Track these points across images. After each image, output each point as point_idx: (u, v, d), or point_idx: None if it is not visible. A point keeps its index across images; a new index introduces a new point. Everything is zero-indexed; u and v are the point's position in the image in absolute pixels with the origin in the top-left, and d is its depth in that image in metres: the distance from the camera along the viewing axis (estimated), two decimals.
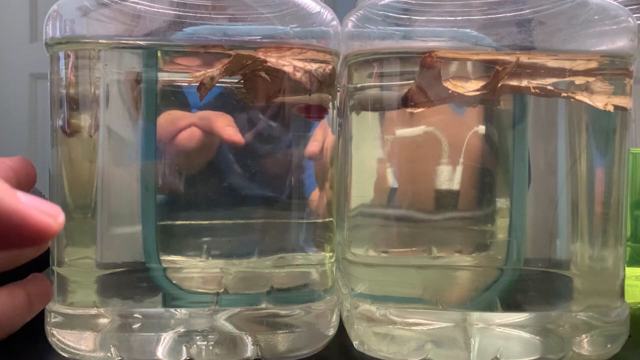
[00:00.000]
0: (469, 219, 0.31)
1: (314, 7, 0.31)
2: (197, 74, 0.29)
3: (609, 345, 0.31)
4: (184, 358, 0.29)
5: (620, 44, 0.31)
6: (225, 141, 0.30)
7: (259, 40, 0.29)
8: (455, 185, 0.31)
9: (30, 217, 0.16)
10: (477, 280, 0.32)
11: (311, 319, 0.31)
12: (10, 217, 0.16)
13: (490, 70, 0.29)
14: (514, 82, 0.30)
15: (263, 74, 0.30)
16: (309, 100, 0.31)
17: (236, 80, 0.30)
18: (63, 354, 0.30)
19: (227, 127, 0.30)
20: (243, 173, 0.30)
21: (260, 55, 0.29)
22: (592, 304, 0.31)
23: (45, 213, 0.17)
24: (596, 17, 0.30)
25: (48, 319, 0.30)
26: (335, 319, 0.32)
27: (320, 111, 0.32)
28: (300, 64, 0.30)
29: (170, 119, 0.30)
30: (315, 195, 0.32)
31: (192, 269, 0.31)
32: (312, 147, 0.31)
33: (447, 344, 0.30)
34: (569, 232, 0.31)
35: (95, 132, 0.30)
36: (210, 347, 0.29)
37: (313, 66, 0.30)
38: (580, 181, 0.31)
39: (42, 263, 0.33)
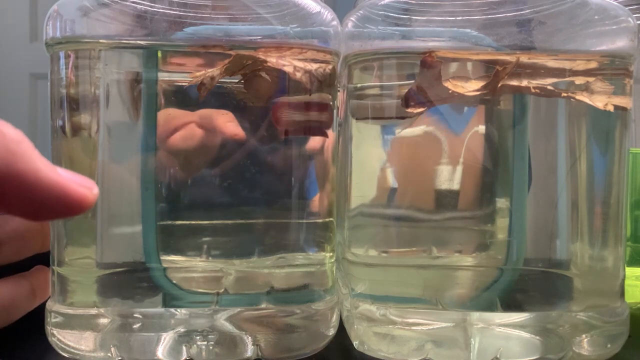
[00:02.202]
0: (469, 219, 0.31)
1: (314, 7, 0.31)
2: (198, 73, 0.29)
3: (609, 345, 0.31)
4: (184, 358, 0.29)
5: (620, 44, 0.31)
6: (227, 137, 0.30)
7: (259, 40, 0.29)
8: (455, 185, 0.31)
9: (69, 189, 0.18)
10: (477, 280, 0.32)
11: (311, 319, 0.31)
12: (52, 189, 0.18)
13: (491, 70, 0.29)
14: (514, 82, 0.30)
15: (263, 74, 0.30)
16: (309, 100, 0.31)
17: (236, 80, 0.30)
18: (63, 354, 0.30)
19: (228, 123, 0.30)
20: (243, 173, 0.30)
21: (261, 55, 0.29)
22: (592, 304, 0.31)
23: (82, 185, 0.18)
24: (596, 17, 0.30)
25: (48, 319, 0.30)
26: (335, 319, 0.32)
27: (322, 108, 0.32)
28: (300, 64, 0.30)
29: (170, 117, 0.30)
30: (317, 196, 0.32)
31: (193, 268, 0.31)
32: (313, 143, 0.31)
33: (447, 344, 0.30)
34: (569, 232, 0.31)
35: (95, 132, 0.30)
36: (211, 347, 0.29)
37: (313, 66, 0.30)
38: (580, 181, 0.31)
39: (43, 263, 0.33)
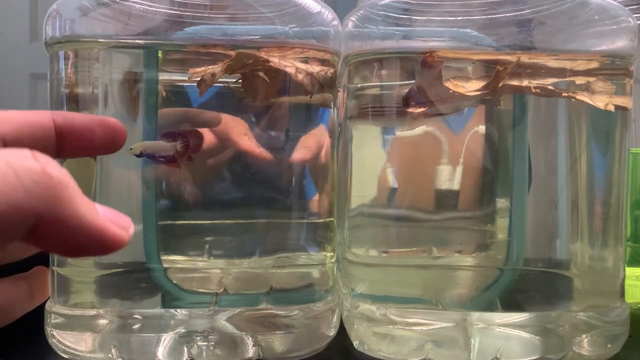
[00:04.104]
0: (469, 219, 0.31)
1: (315, 7, 0.31)
2: (198, 70, 0.29)
3: (609, 345, 0.30)
4: (185, 358, 0.29)
5: (620, 44, 0.31)
6: (239, 149, 0.30)
7: (258, 40, 0.29)
8: (455, 185, 0.31)
9: (107, 231, 0.18)
10: (477, 280, 0.32)
11: (312, 320, 0.31)
12: (91, 233, 0.18)
13: (491, 70, 0.29)
14: (515, 82, 0.30)
15: (261, 74, 0.30)
16: (309, 101, 0.31)
17: (234, 80, 0.30)
18: (63, 355, 0.30)
19: (243, 137, 0.30)
20: (244, 173, 0.30)
21: (263, 54, 0.29)
22: (592, 304, 0.31)
23: (119, 226, 0.19)
24: (596, 17, 0.30)
25: (48, 320, 0.30)
26: (335, 319, 0.32)
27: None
28: (302, 66, 0.30)
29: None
30: (317, 195, 0.32)
31: (193, 269, 0.31)
32: (299, 154, 0.31)
33: (447, 344, 0.30)
34: (569, 232, 0.31)
35: None
36: (211, 348, 0.29)
37: (315, 69, 0.30)
38: (580, 181, 0.31)
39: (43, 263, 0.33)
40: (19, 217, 0.16)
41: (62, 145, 0.25)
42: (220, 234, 0.31)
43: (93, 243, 0.18)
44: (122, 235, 0.19)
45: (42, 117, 0.24)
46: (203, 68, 0.29)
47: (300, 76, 0.30)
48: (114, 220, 0.19)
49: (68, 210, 0.17)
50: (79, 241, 0.18)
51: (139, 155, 0.28)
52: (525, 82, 0.30)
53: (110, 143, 0.26)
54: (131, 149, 0.28)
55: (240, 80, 0.30)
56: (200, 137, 0.29)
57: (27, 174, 0.17)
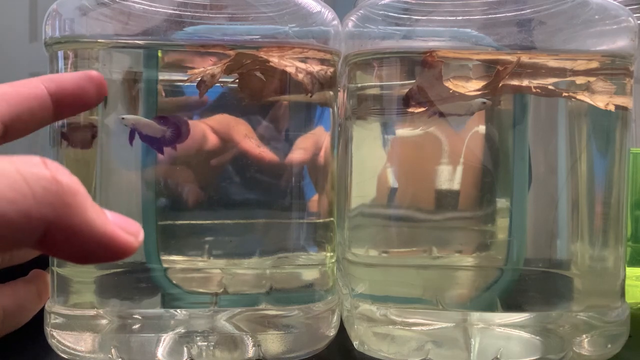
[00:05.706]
0: (470, 219, 0.31)
1: (315, 6, 0.31)
2: (197, 70, 0.29)
3: (609, 346, 0.30)
4: (185, 359, 0.29)
5: (620, 43, 0.30)
6: (241, 151, 0.30)
7: (258, 39, 0.29)
8: (456, 185, 0.31)
9: (117, 238, 0.18)
10: (478, 280, 0.32)
11: (312, 320, 0.31)
12: (101, 240, 0.18)
13: (491, 70, 0.29)
14: (515, 82, 0.30)
15: (258, 74, 0.30)
16: (309, 101, 0.31)
17: (231, 80, 0.30)
18: (63, 355, 0.30)
19: (246, 139, 0.30)
20: (244, 173, 0.30)
21: (263, 54, 0.29)
22: (593, 304, 0.31)
23: (128, 232, 0.19)
24: (597, 16, 0.30)
25: (47, 320, 0.30)
26: (335, 319, 0.32)
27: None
28: (302, 66, 0.30)
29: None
30: (317, 195, 0.32)
31: (193, 269, 0.31)
32: (296, 155, 0.31)
33: (447, 344, 0.30)
34: (569, 232, 0.31)
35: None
36: (211, 348, 0.29)
37: (315, 68, 0.30)
38: (581, 181, 0.31)
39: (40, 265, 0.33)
40: (29, 224, 0.16)
41: (58, 109, 0.25)
42: (220, 234, 0.31)
43: (103, 250, 0.18)
44: (131, 241, 0.19)
45: (35, 88, 0.24)
46: (202, 69, 0.29)
47: (300, 76, 0.30)
48: (123, 227, 0.19)
49: (78, 218, 0.17)
50: (89, 248, 0.18)
51: (130, 128, 0.29)
52: (525, 82, 0.30)
53: (98, 96, 0.26)
54: (123, 118, 0.29)
55: (237, 80, 0.30)
56: (188, 128, 0.29)
57: (37, 181, 0.17)
